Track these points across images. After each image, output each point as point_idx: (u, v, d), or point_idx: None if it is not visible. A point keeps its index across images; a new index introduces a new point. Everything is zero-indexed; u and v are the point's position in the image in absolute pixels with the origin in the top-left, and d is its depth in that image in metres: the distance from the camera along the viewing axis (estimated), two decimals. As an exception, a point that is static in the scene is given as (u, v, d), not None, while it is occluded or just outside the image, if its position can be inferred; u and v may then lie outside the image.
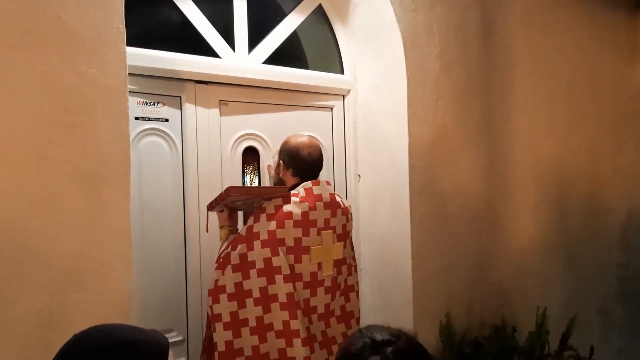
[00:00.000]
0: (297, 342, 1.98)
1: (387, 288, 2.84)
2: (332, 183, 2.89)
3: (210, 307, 2.00)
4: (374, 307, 2.89)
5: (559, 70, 3.60)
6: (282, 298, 2.00)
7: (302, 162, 2.19)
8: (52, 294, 1.71)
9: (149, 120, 2.34)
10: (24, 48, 1.68)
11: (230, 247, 2.05)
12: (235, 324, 1.99)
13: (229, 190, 2.04)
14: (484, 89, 3.12)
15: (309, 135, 2.28)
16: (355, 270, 2.34)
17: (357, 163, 2.99)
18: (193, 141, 2.44)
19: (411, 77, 2.76)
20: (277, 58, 2.73)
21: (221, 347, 1.97)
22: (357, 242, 2.95)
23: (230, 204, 2.16)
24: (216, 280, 2.02)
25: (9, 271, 1.64)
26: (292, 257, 2.03)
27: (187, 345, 2.41)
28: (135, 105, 2.29)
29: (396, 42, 2.76)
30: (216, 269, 2.04)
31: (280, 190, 2.15)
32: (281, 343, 2.01)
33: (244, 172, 2.65)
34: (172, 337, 2.36)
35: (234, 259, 2.01)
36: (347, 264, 2.22)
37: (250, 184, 2.67)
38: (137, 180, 2.28)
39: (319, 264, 2.09)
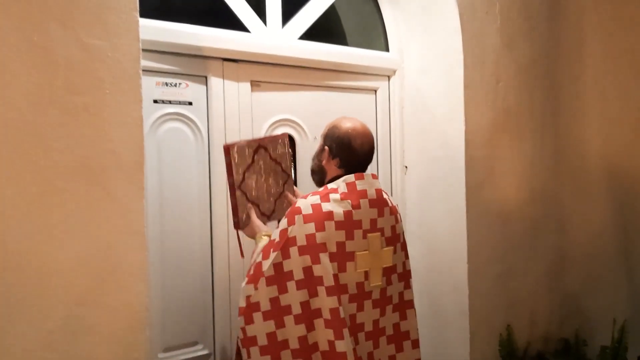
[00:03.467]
0: None
1: (439, 296, 2.50)
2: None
3: (243, 329, 1.69)
4: (423, 319, 2.55)
5: (634, 47, 3.16)
6: (326, 314, 1.68)
7: (353, 154, 1.83)
8: (52, 309, 1.44)
9: (170, 103, 2.05)
10: (17, 15, 1.40)
11: (261, 256, 1.73)
12: (274, 347, 1.67)
13: (227, 146, 1.82)
14: (551, 68, 2.74)
15: (360, 121, 1.90)
16: (410, 277, 1.99)
17: (403, 153, 2.65)
18: (221, 128, 2.15)
19: (468, 55, 2.40)
20: (314, 34, 2.42)
21: None
22: (404, 243, 2.62)
23: (243, 185, 1.86)
24: (248, 297, 1.69)
25: None
26: (335, 265, 1.70)
27: (214, 359, 2.13)
28: (154, 86, 2.01)
29: (451, 14, 2.41)
30: (247, 283, 1.72)
31: (280, 136, 1.99)
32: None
33: (278, 162, 2.34)
34: (198, 351, 2.10)
35: (268, 270, 1.69)
36: (398, 273, 1.88)
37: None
38: (157, 173, 2.00)
39: (366, 273, 1.76)
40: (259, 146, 1.94)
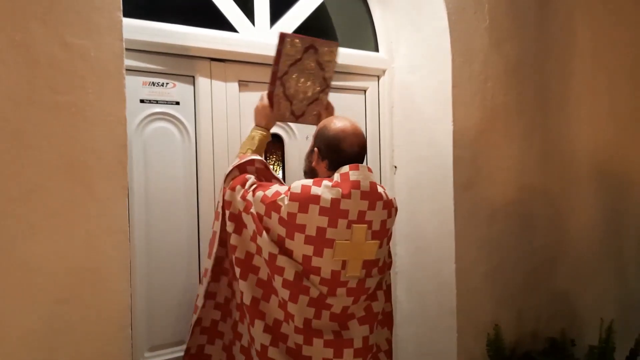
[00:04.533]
0: (290, 325, 1.74)
1: (427, 295, 2.51)
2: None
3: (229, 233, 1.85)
4: (412, 316, 2.56)
5: (623, 47, 3.17)
6: (289, 275, 1.72)
7: (342, 156, 1.82)
8: (34, 307, 1.44)
9: (157, 103, 2.05)
10: (-2, 14, 1.40)
11: (252, 182, 1.84)
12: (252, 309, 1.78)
13: (283, 34, 1.89)
14: (539, 68, 2.74)
15: (351, 121, 1.90)
16: (389, 268, 1.99)
17: (393, 153, 2.66)
18: (208, 128, 2.15)
19: (456, 54, 2.40)
20: (303, 33, 2.39)
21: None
22: (393, 242, 2.62)
23: (285, 78, 1.94)
24: (230, 234, 1.82)
25: (-18, 280, 1.38)
26: (310, 247, 1.72)
27: (201, 357, 2.13)
28: (140, 86, 2.01)
29: (439, 14, 2.41)
30: (227, 190, 1.85)
31: (333, 43, 2.01)
32: (280, 315, 1.76)
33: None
34: (184, 350, 2.08)
35: (257, 207, 1.78)
36: (379, 267, 1.88)
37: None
38: (143, 173, 2.00)
39: (344, 262, 1.76)
40: (311, 45, 1.97)
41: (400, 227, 2.61)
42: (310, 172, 1.93)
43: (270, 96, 1.96)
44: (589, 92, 2.99)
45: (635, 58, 3.25)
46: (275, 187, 1.79)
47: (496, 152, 2.56)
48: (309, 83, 1.99)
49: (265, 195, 1.77)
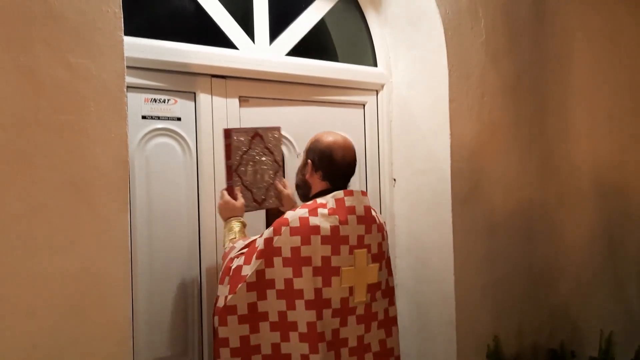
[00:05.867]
0: None
1: (427, 307, 2.52)
2: (364, 189, 2.60)
3: (216, 329, 1.73)
4: (411, 329, 2.58)
5: (621, 60, 3.20)
6: (303, 327, 1.70)
7: (334, 166, 1.88)
8: (37, 323, 1.47)
9: (159, 119, 2.09)
10: (3, 36, 1.44)
11: (243, 260, 1.76)
12: (245, 352, 1.71)
13: (228, 130, 1.98)
14: (536, 81, 2.78)
15: (342, 135, 1.97)
16: (393, 293, 2.02)
17: (392, 166, 2.69)
18: (209, 143, 2.18)
19: (453, 69, 2.44)
20: (302, 50, 2.46)
21: None
22: (393, 255, 2.64)
23: (239, 169, 2.02)
24: (225, 297, 1.73)
25: (-14, 296, 1.41)
26: (319, 279, 1.73)
27: (201, 371, 2.16)
28: (142, 103, 2.05)
29: (436, 30, 2.45)
30: (223, 282, 1.76)
31: (275, 128, 2.10)
32: None
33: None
34: (185, 363, 2.11)
35: (250, 276, 1.72)
36: (382, 290, 1.90)
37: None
38: (145, 188, 2.04)
39: (351, 289, 1.79)
40: (256, 134, 2.06)
41: (400, 239, 2.64)
42: (303, 185, 1.98)
43: (230, 190, 2.01)
44: (587, 105, 3.01)
45: (633, 70, 3.28)
46: (259, 240, 1.77)
47: (494, 166, 2.59)
48: (263, 169, 2.09)
49: (255, 249, 1.75)
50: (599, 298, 3.08)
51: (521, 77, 2.70)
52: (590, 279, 3.03)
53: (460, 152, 2.44)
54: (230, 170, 1.99)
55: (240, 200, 1.99)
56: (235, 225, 1.95)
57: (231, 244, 1.89)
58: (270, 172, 2.12)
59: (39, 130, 1.48)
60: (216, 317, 1.74)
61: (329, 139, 1.92)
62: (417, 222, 2.58)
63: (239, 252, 1.81)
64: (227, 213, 1.98)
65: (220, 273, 1.84)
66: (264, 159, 2.08)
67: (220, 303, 1.74)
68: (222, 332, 1.71)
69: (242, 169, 2.03)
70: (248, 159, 2.04)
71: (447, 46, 2.42)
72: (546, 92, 2.82)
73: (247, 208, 2.05)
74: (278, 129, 2.15)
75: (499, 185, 2.60)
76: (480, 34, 2.54)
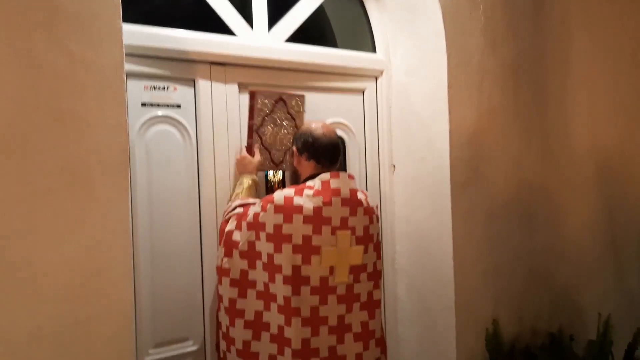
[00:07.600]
0: (287, 351, 1.80)
1: (427, 292, 2.54)
2: (364, 175, 2.62)
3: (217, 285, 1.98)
4: (412, 313, 2.60)
5: (622, 43, 3.19)
6: (280, 300, 1.80)
7: (317, 143, 1.99)
8: (40, 306, 1.50)
9: (158, 106, 2.11)
10: (2, 23, 1.45)
11: (235, 225, 1.93)
12: (232, 313, 1.87)
13: (253, 91, 2.11)
14: (536, 66, 2.77)
15: (322, 122, 2.12)
16: (379, 277, 2.04)
17: (391, 152, 2.70)
18: (209, 130, 2.20)
19: (452, 55, 2.44)
20: (301, 36, 2.46)
21: (223, 328, 1.94)
22: (393, 241, 2.67)
23: (261, 130, 2.15)
24: (221, 259, 1.93)
25: (-11, 281, 1.43)
26: (299, 257, 1.80)
27: (204, 354, 2.19)
28: (142, 90, 2.06)
29: (435, 16, 2.44)
30: (220, 243, 1.96)
31: (299, 95, 2.23)
32: (273, 349, 1.83)
33: (266, 164, 2.39)
34: (188, 347, 2.15)
35: (242, 245, 1.88)
36: (367, 273, 1.93)
37: (274, 177, 2.42)
38: (146, 174, 2.06)
39: (331, 268, 1.84)
40: (280, 98, 2.19)
41: (399, 225, 2.66)
42: (294, 175, 2.12)
43: (249, 149, 2.15)
44: (587, 90, 3.01)
45: (633, 55, 3.27)
46: (251, 210, 1.92)
47: (494, 151, 2.59)
48: (283, 132, 2.19)
49: (246, 218, 1.91)
50: (599, 282, 3.09)
51: (521, 63, 2.70)
52: (590, 264, 3.04)
53: (459, 138, 2.45)
54: (252, 130, 2.12)
55: (257, 157, 2.14)
56: (246, 181, 2.11)
57: (234, 201, 2.08)
58: (290, 137, 2.22)
59: (38, 117, 1.50)
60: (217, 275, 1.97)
61: (309, 124, 2.08)
62: (417, 208, 2.59)
63: (233, 212, 1.98)
64: (241, 168, 2.14)
65: (219, 230, 2.06)
66: (285, 123, 2.18)
67: (218, 263, 1.96)
68: (220, 289, 1.94)
69: (263, 129, 2.16)
70: (269, 121, 2.16)
71: (445, 32, 2.42)
72: (546, 77, 2.82)
73: (264, 167, 2.19)
74: (302, 96, 2.26)
75: (499, 170, 2.61)
76: (479, 20, 2.53)
